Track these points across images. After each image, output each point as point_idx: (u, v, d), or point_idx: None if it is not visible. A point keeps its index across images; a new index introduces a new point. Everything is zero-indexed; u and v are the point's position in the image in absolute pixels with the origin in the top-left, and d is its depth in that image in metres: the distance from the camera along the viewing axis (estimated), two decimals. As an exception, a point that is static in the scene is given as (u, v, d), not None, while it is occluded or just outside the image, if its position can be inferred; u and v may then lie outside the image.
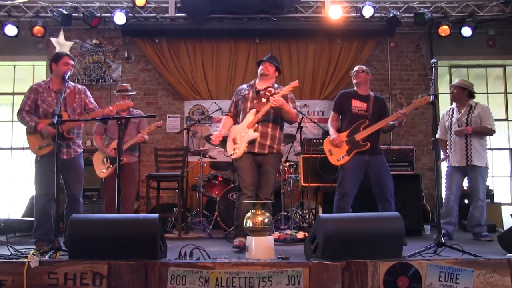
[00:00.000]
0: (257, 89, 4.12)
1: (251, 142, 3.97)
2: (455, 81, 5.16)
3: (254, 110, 4.02)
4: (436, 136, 5.06)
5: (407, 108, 4.22)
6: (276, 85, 4.15)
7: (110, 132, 4.87)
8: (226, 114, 4.32)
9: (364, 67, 4.56)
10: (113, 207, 4.79)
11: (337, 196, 4.33)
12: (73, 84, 4.28)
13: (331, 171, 4.93)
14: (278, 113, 4.03)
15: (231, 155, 4.09)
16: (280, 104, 3.88)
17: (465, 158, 4.76)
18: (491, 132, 4.83)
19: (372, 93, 4.50)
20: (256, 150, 3.98)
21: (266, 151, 3.99)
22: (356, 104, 4.41)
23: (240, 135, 4.02)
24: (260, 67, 4.14)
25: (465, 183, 5.05)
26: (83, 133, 7.10)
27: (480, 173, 4.75)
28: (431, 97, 3.64)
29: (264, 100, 4.01)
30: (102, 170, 4.78)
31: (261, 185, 4.00)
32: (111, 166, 4.76)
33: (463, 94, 4.91)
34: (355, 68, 4.55)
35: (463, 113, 4.86)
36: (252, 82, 4.22)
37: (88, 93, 4.33)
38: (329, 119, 4.58)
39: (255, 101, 4.06)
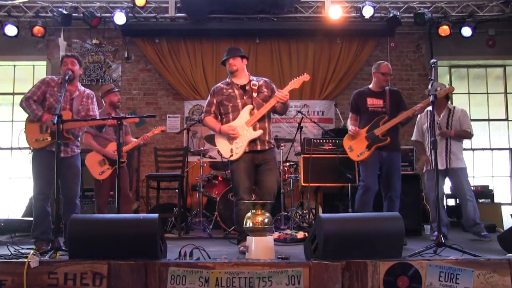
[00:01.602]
0: (239, 85, 3.95)
1: (253, 140, 3.83)
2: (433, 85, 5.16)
3: (249, 106, 3.85)
4: (412, 138, 5.16)
5: (424, 102, 4.19)
6: (254, 78, 4.02)
7: (105, 133, 4.82)
8: (207, 116, 4.00)
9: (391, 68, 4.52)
10: (110, 208, 4.84)
11: (360, 191, 4.31)
12: (83, 88, 4.26)
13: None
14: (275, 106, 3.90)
15: (229, 156, 3.84)
16: (288, 99, 3.80)
17: (444, 161, 4.77)
18: (470, 136, 4.87)
19: (386, 88, 4.47)
20: (259, 148, 3.83)
21: (267, 147, 3.87)
22: (371, 102, 4.39)
23: (238, 133, 3.82)
24: (227, 65, 3.97)
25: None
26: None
27: (462, 175, 4.76)
28: (431, 97, 3.64)
29: (255, 94, 3.88)
30: (100, 171, 4.74)
31: (268, 185, 3.84)
32: (110, 167, 4.74)
33: (440, 97, 4.84)
34: (389, 70, 4.47)
35: (443, 116, 4.86)
36: (228, 80, 4.02)
37: (95, 100, 4.30)
38: (348, 121, 4.60)
39: (245, 97, 3.90)
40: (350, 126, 4.47)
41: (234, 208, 3.88)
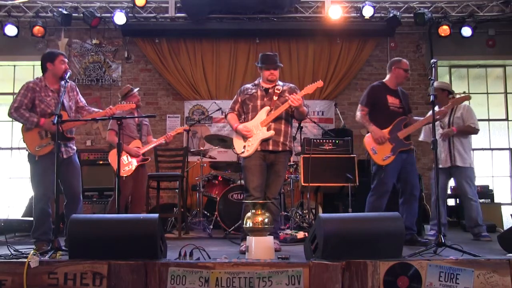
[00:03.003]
0: (264, 88, 4.08)
1: (265, 140, 3.93)
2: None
3: (267, 108, 3.98)
4: (419, 139, 5.13)
5: (447, 107, 4.13)
6: (281, 83, 4.13)
7: (129, 130, 4.87)
8: (230, 112, 4.16)
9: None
10: (129, 205, 4.91)
11: (373, 197, 4.18)
12: (62, 82, 4.11)
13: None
14: (290, 110, 4.01)
15: (241, 153, 3.99)
16: (300, 104, 3.86)
17: (449, 159, 4.76)
18: (475, 131, 4.81)
19: (399, 88, 4.36)
20: (270, 148, 3.93)
21: (280, 149, 3.96)
22: (391, 100, 4.24)
23: (252, 133, 3.96)
24: (267, 73, 4.04)
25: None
26: (83, 133, 7.19)
27: (464, 174, 4.74)
28: (431, 97, 3.61)
29: (275, 98, 4.00)
30: (123, 168, 4.71)
31: (271, 185, 3.96)
32: (134, 164, 4.78)
33: (443, 95, 4.78)
34: (407, 66, 4.32)
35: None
36: (256, 82, 4.17)
37: (78, 89, 4.26)
38: (359, 114, 4.33)
39: (265, 99, 4.03)
40: (371, 126, 4.20)
41: (243, 204, 3.99)
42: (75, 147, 4.19)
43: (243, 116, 4.14)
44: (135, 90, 5.12)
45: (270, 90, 4.06)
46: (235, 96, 4.22)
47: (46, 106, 3.94)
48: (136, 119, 4.95)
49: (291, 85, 4.17)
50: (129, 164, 4.76)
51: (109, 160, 4.81)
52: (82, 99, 4.27)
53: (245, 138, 3.98)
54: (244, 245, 3.76)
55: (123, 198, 4.82)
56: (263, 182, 3.95)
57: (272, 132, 3.93)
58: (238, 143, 4.04)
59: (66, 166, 4.00)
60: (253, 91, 4.09)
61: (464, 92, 4.23)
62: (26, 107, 3.90)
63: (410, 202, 4.21)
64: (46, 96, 3.95)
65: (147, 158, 4.94)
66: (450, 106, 4.14)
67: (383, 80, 4.41)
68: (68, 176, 4.02)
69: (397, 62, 4.36)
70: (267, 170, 3.99)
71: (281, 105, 3.96)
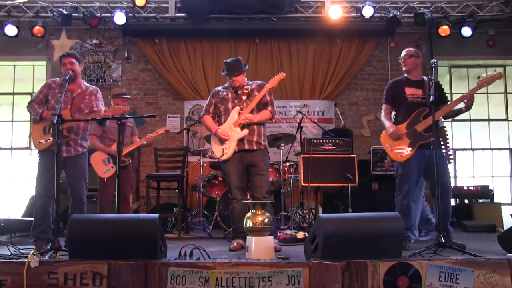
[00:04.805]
0: (234, 90, 4.13)
1: (241, 140, 3.99)
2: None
3: (237, 108, 4.03)
4: None
5: (473, 90, 3.81)
6: (250, 82, 4.18)
7: (110, 133, 4.89)
8: (205, 114, 4.20)
9: (412, 50, 4.14)
10: (114, 207, 4.86)
11: (399, 196, 3.97)
12: (87, 85, 4.28)
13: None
14: (259, 109, 4.07)
15: (220, 156, 4.05)
16: (249, 121, 3.95)
17: None
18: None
19: (425, 78, 4.06)
20: (246, 147, 3.99)
21: (255, 147, 4.01)
22: (410, 91, 4.03)
23: (228, 135, 4.01)
24: (230, 81, 4.10)
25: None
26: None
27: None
28: (431, 97, 3.57)
29: (244, 97, 4.05)
30: (105, 170, 4.81)
31: (255, 184, 3.97)
32: (115, 166, 4.78)
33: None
34: (402, 53, 4.15)
35: None
36: (227, 85, 4.21)
37: (99, 95, 4.30)
38: (382, 113, 4.18)
39: (236, 101, 4.08)
40: (388, 122, 4.05)
41: (230, 206, 4.09)
42: (81, 149, 4.16)
43: (216, 119, 4.18)
44: (128, 96, 5.14)
45: (239, 92, 4.11)
46: (209, 98, 4.26)
47: (56, 102, 4.03)
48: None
49: (259, 82, 4.19)
50: (109, 166, 4.79)
51: (91, 163, 4.79)
52: (100, 105, 4.25)
53: (222, 141, 4.04)
54: (236, 243, 3.82)
55: (106, 200, 4.85)
56: (244, 184, 4.03)
57: (246, 131, 3.98)
58: (216, 147, 4.10)
59: (69, 166, 4.04)
60: (224, 93, 4.15)
61: (486, 74, 3.98)
62: (39, 101, 4.10)
63: (443, 208, 3.83)
64: (59, 93, 4.05)
65: (126, 159, 4.88)
66: (479, 87, 3.79)
67: (405, 75, 4.24)
68: (70, 178, 4.08)
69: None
70: (249, 171, 4.02)
71: (250, 103, 4.01)
